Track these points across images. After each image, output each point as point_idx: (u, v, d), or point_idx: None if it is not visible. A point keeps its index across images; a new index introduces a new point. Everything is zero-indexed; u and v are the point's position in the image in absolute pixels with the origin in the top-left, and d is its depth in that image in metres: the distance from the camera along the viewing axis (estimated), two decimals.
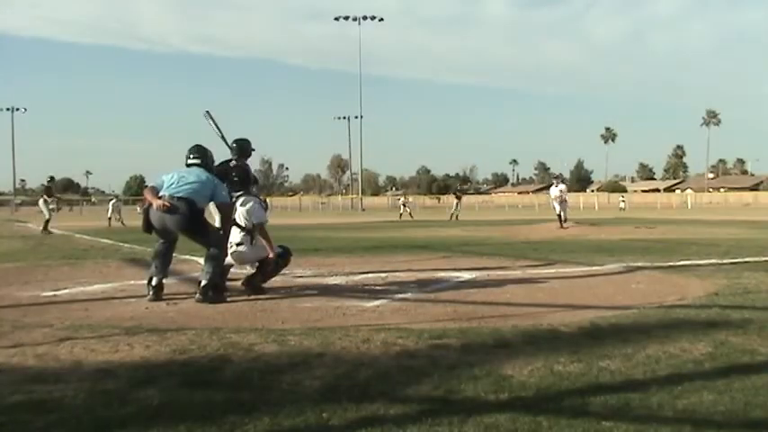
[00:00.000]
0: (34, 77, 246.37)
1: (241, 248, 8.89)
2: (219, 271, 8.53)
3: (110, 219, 34.81)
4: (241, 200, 9.06)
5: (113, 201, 37.62)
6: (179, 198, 8.27)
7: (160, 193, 8.35)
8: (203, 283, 8.27)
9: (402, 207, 49.13)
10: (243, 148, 9.61)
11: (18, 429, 3.71)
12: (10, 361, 5.26)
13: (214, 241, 8.55)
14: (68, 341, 5.84)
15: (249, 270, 9.08)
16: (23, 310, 7.77)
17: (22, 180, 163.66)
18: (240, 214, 8.98)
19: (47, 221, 26.73)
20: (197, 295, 8.24)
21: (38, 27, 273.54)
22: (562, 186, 26.20)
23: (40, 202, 28.68)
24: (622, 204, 68.92)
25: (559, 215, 25.15)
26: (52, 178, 32.38)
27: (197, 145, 8.89)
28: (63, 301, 8.40)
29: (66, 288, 9.48)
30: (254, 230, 8.95)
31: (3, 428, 3.72)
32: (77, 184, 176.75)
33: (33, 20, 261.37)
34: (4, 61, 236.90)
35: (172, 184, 8.40)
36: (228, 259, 8.95)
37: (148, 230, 8.55)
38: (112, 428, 3.68)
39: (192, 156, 8.75)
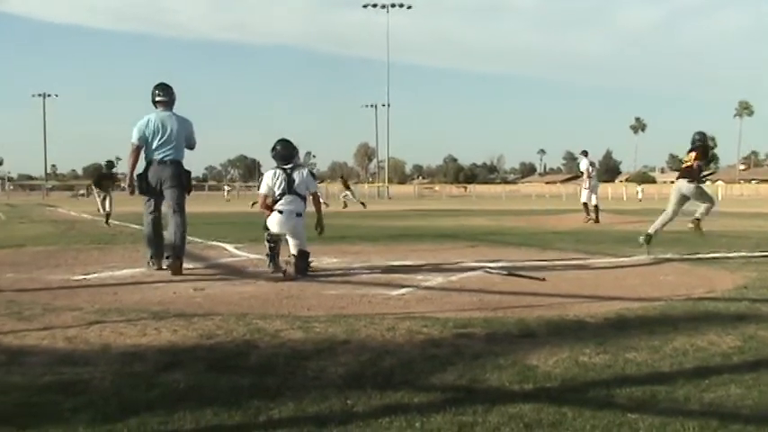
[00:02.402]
0: (66, 64, 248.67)
1: (301, 220, 9.28)
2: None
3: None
4: (297, 170, 9.40)
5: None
6: (170, 161, 9.34)
7: (148, 156, 9.35)
8: (176, 255, 9.25)
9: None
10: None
11: (48, 410, 3.76)
12: (41, 343, 5.33)
13: (182, 203, 9.45)
14: (97, 324, 5.90)
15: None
16: (54, 293, 7.86)
17: (53, 165, 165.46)
18: (299, 183, 9.31)
19: (107, 215, 21.81)
20: (169, 260, 9.33)
21: (70, 14, 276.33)
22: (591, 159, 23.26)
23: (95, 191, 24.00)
24: (640, 195, 69.63)
25: (594, 205, 22.20)
26: (110, 163, 24.61)
27: (163, 83, 9.70)
28: (92, 285, 8.49)
29: (95, 272, 9.57)
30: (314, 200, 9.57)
31: (33, 409, 3.77)
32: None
33: (66, 7, 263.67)
34: (36, 47, 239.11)
35: (160, 149, 9.31)
36: (276, 229, 9.20)
37: (144, 191, 9.43)
38: (140, 411, 3.71)
39: (160, 93, 9.56)
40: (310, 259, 9.35)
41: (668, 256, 11.59)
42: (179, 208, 9.39)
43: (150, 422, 3.58)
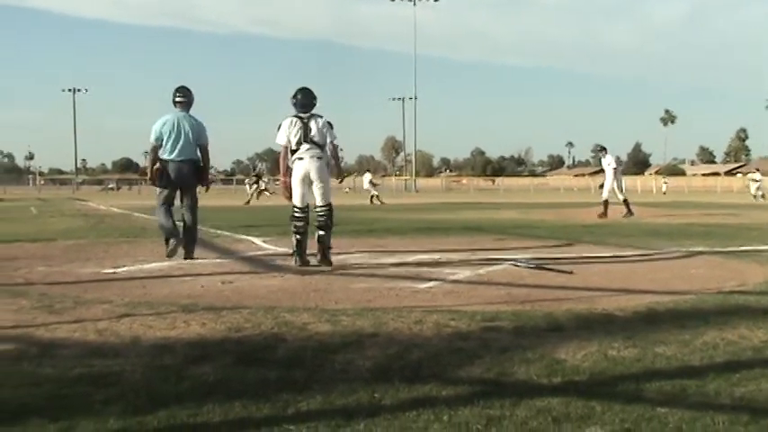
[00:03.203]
0: (96, 59, 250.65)
1: (324, 164, 9.34)
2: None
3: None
4: (313, 119, 9.36)
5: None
6: (185, 160, 10.10)
7: (166, 156, 10.04)
8: (190, 248, 10.10)
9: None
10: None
11: (79, 402, 3.79)
12: (72, 336, 5.38)
13: (195, 200, 10.41)
14: (127, 317, 5.95)
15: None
16: (84, 286, 7.94)
17: (83, 160, 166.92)
18: (316, 132, 9.28)
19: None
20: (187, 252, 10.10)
21: (101, 9, 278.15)
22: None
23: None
24: (664, 187, 68.55)
25: (623, 199, 21.68)
26: None
27: (183, 86, 10.47)
28: (122, 279, 8.57)
29: (125, 265, 9.65)
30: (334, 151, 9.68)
31: (65, 400, 3.81)
32: (136, 164, 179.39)
33: (96, 2, 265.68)
34: (66, 43, 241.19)
35: (176, 148, 10.03)
36: (300, 174, 9.23)
37: (164, 186, 10.15)
38: (169, 403, 3.74)
39: (179, 95, 10.32)
40: (334, 250, 9.44)
41: (699, 248, 11.49)
42: (192, 203, 10.36)
43: (179, 414, 3.60)
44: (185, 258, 9.99)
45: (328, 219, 9.29)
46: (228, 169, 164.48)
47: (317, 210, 9.32)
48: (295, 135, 9.26)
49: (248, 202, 39.29)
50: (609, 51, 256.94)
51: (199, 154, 10.31)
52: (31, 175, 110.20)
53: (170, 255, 10.03)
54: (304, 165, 9.24)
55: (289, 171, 9.47)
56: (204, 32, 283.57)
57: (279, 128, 9.37)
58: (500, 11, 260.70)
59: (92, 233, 15.35)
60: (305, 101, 9.43)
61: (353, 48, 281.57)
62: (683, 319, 5.83)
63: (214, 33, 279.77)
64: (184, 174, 10.13)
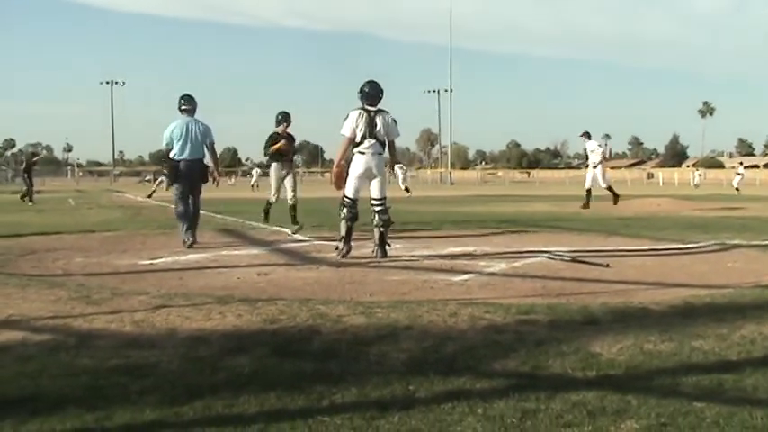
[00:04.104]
0: (132, 51, 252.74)
1: (382, 159, 9.61)
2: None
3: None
4: (380, 114, 9.53)
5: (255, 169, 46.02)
6: (193, 160, 11.24)
7: (178, 156, 11.17)
8: (191, 240, 10.91)
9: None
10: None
11: (116, 392, 3.84)
12: (109, 326, 5.45)
13: (199, 192, 11.52)
14: (164, 308, 6.01)
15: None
16: (122, 277, 8.03)
17: (121, 152, 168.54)
18: (381, 128, 9.49)
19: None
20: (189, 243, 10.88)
21: (138, 2, 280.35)
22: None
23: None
24: (697, 180, 63.44)
25: (608, 188, 21.56)
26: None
27: (187, 94, 11.66)
28: (159, 270, 8.66)
29: (161, 257, 9.75)
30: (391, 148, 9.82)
31: (102, 391, 3.86)
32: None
33: None
34: (103, 36, 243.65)
35: (186, 149, 11.16)
36: (361, 168, 9.44)
37: (178, 181, 11.30)
38: (205, 394, 3.77)
39: (184, 103, 11.50)
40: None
41: (736, 242, 11.35)
42: (196, 198, 11.48)
43: (215, 405, 3.63)
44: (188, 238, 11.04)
45: (386, 212, 9.56)
46: (264, 161, 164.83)
47: (375, 202, 9.58)
48: (361, 129, 9.41)
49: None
50: (646, 42, 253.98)
51: (206, 153, 11.54)
52: (69, 167, 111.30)
53: (189, 246, 10.75)
54: (366, 159, 9.44)
55: (348, 161, 9.69)
56: (240, 25, 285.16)
57: (346, 118, 9.51)
58: (536, 2, 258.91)
59: (129, 225, 15.50)
60: (372, 92, 9.60)
61: (389, 40, 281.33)
62: (720, 313, 5.77)
63: (250, 25, 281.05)
64: (193, 170, 11.28)
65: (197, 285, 7.44)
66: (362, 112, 9.46)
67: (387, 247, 9.55)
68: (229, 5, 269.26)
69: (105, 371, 4.24)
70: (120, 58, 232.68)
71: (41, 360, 4.47)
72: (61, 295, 6.65)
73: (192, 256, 9.78)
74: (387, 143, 9.63)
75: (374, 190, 9.56)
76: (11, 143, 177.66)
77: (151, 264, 9.16)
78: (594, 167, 21.91)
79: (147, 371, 4.23)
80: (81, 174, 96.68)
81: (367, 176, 9.50)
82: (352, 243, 9.55)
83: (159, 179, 31.28)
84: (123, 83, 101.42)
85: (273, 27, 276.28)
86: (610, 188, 21.69)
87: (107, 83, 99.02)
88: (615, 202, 21.21)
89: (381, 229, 9.47)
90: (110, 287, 7.17)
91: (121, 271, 8.54)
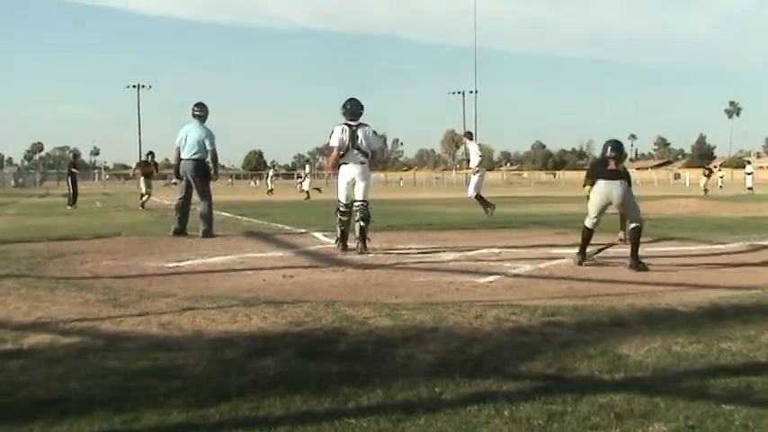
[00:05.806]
0: (159, 55, 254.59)
1: (366, 167, 10.59)
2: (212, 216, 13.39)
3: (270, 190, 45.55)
4: (361, 128, 10.54)
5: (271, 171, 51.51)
6: (193, 159, 13.05)
7: (182, 156, 13.08)
8: (205, 228, 12.93)
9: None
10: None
11: (143, 394, 3.86)
12: (136, 329, 5.48)
13: (207, 192, 13.20)
14: (190, 311, 6.03)
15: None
16: (149, 279, 8.08)
17: (149, 152, 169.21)
18: (362, 140, 10.50)
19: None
20: (201, 234, 12.80)
21: (164, 6, 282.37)
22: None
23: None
24: (720, 182, 57.13)
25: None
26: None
27: (200, 102, 13.56)
28: (185, 272, 8.70)
29: (188, 259, 9.79)
30: (375, 157, 10.88)
31: (130, 393, 3.88)
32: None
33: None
34: (129, 40, 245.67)
35: (187, 150, 13.04)
36: (347, 178, 10.45)
37: (180, 177, 13.30)
38: (231, 396, 3.78)
39: (196, 109, 13.38)
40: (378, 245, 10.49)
41: (765, 243, 11.24)
42: (203, 192, 13.16)
43: (242, 407, 3.65)
44: (203, 236, 12.70)
45: (366, 210, 10.47)
46: (290, 164, 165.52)
47: (357, 204, 10.49)
48: (344, 142, 10.51)
49: (270, 191, 47.32)
50: (673, 42, 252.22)
51: (207, 155, 13.15)
52: (96, 170, 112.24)
53: (174, 233, 12.96)
54: (349, 168, 10.54)
55: (338, 169, 10.78)
56: (264, 28, 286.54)
57: (332, 133, 10.61)
58: (561, 2, 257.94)
59: (156, 227, 15.58)
60: (353, 109, 10.69)
61: (413, 42, 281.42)
62: (748, 315, 5.72)
63: (274, 28, 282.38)
64: (191, 168, 13.06)
65: (223, 288, 7.47)
66: (345, 126, 10.56)
67: (366, 242, 10.32)
68: (253, 9, 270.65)
69: (133, 373, 4.27)
70: (146, 62, 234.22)
71: (70, 362, 4.51)
72: (89, 298, 6.70)
73: (218, 259, 9.83)
74: (369, 153, 10.63)
75: (358, 193, 10.53)
76: (39, 147, 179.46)
77: (177, 266, 9.20)
78: (476, 172, 19.68)
79: (175, 373, 4.26)
80: (108, 177, 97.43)
81: (352, 183, 10.53)
82: (348, 243, 10.47)
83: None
84: (150, 87, 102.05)
85: (297, 30, 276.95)
86: (479, 197, 19.00)
87: (134, 86, 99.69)
88: (487, 212, 18.47)
89: (362, 224, 10.36)
90: (137, 290, 7.22)
91: (148, 273, 8.60)
